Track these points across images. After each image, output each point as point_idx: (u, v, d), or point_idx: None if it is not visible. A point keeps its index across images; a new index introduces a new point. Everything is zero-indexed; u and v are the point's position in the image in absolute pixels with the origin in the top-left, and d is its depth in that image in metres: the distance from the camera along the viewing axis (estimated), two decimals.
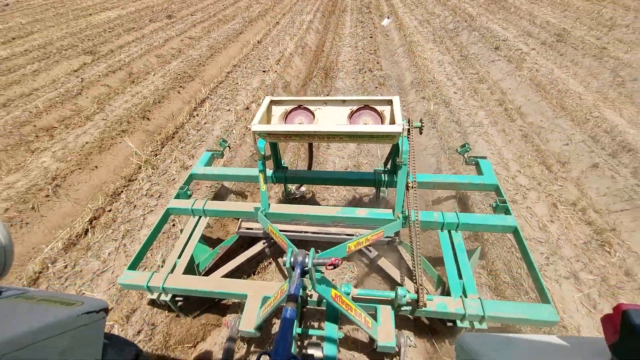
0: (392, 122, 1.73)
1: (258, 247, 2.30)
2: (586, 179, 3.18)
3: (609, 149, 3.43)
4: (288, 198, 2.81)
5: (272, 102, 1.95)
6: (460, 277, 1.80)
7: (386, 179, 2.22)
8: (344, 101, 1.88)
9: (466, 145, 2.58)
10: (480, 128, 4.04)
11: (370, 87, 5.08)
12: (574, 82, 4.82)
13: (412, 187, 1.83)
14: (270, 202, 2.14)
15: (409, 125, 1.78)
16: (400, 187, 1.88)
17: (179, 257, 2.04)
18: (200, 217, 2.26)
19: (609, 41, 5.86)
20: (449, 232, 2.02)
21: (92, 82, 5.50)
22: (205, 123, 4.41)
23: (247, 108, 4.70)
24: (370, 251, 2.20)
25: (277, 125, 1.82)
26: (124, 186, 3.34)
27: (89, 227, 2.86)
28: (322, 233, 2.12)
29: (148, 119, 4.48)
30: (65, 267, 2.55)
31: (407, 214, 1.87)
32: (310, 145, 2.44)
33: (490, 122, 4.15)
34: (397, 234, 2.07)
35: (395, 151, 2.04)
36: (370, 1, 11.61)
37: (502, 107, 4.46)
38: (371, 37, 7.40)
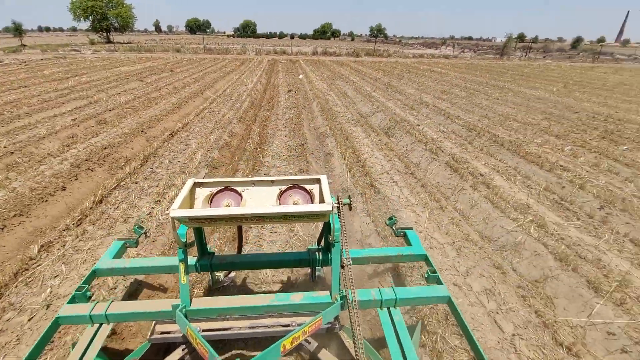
0: (322, 200, 1.71)
1: (177, 355, 1.91)
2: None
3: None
4: (215, 287, 2.55)
5: (196, 185, 1.82)
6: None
7: (320, 258, 2.15)
8: (272, 181, 1.84)
9: (393, 218, 2.61)
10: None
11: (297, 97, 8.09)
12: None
13: (347, 265, 1.76)
14: (194, 294, 1.92)
15: (338, 203, 1.77)
16: (335, 266, 1.81)
17: None
18: (102, 324, 1.85)
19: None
20: (388, 309, 1.93)
21: None
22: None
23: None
24: (309, 343, 2.00)
25: (200, 210, 1.68)
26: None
27: None
28: (254, 327, 1.88)
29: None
30: None
31: (344, 295, 1.78)
32: (240, 228, 2.27)
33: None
34: (336, 318, 1.93)
35: (327, 229, 1.97)
36: (292, 67, 18.08)
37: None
38: (293, 79, 12.75)
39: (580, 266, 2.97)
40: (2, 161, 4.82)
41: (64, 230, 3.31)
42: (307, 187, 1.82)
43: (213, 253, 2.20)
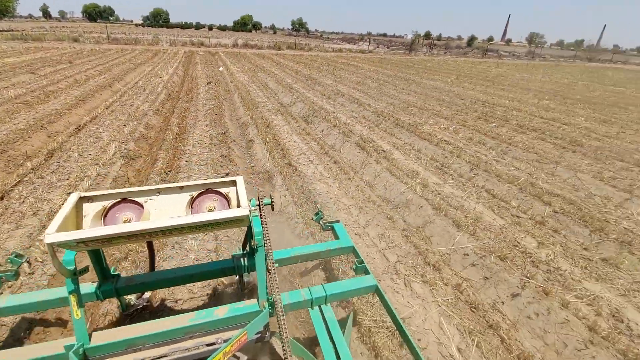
0: (240, 203, 1.57)
1: None
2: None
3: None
4: (126, 313, 2.22)
5: (83, 200, 1.53)
6: (337, 356, 1.70)
7: (246, 264, 2.00)
8: (181, 187, 1.64)
9: (319, 213, 2.61)
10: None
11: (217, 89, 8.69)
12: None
13: (272, 269, 1.68)
14: (97, 326, 1.61)
15: (258, 203, 1.69)
16: (261, 271, 1.70)
17: None
18: None
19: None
20: (320, 307, 1.91)
21: None
22: None
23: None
24: (237, 359, 1.78)
25: (89, 230, 1.36)
26: None
27: None
28: (173, 353, 1.62)
29: None
30: None
31: (272, 301, 1.68)
32: (150, 243, 2.03)
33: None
34: (266, 326, 1.77)
35: (250, 233, 1.80)
36: (212, 59, 17.77)
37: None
38: (213, 71, 12.45)
39: (450, 212, 3.85)
40: None
41: None
42: (223, 190, 1.68)
43: (118, 275, 1.93)
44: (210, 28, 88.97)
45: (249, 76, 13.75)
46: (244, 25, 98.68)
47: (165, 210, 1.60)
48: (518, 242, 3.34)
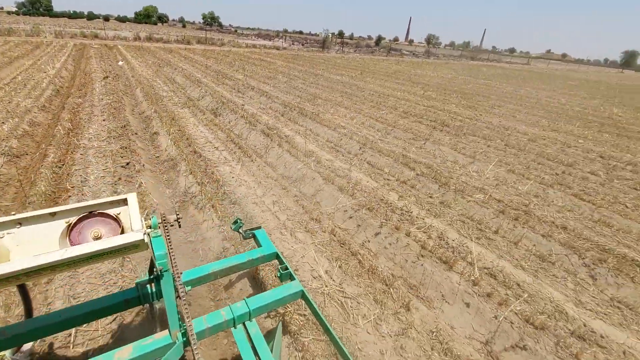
0: (132, 226, 1.40)
1: None
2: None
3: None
4: None
5: None
6: None
7: (155, 290, 1.81)
8: (53, 214, 1.37)
9: (238, 221, 2.49)
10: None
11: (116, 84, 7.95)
12: None
13: (182, 294, 1.53)
14: None
15: (160, 221, 1.51)
16: (169, 299, 1.50)
17: None
18: None
19: None
20: (244, 324, 1.79)
21: None
22: None
23: None
24: None
25: None
26: None
27: None
28: None
29: None
30: None
31: (186, 329, 1.52)
32: (22, 284, 1.69)
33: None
34: (182, 358, 1.63)
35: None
36: (109, 53, 16.50)
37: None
38: (111, 66, 11.53)
39: (336, 180, 4.60)
40: None
41: None
42: (111, 211, 1.45)
43: None
44: (107, 19, 79.12)
45: (153, 70, 13.08)
46: (148, 17, 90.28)
47: (31, 244, 1.30)
48: (384, 197, 4.23)
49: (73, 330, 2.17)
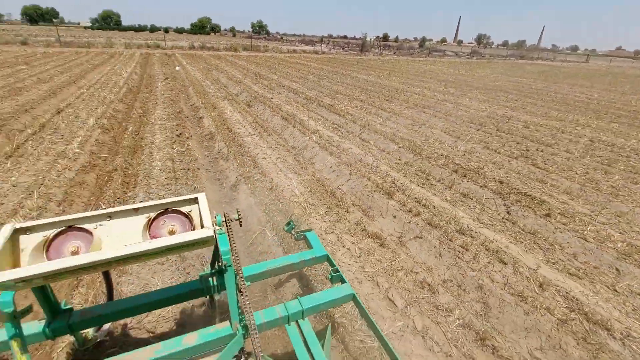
0: (202, 223, 1.54)
1: None
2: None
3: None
4: (84, 348, 2.07)
5: (19, 231, 1.36)
6: None
7: (216, 283, 1.92)
8: (136, 209, 1.54)
9: (291, 223, 2.60)
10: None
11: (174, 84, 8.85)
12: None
13: (243, 289, 1.64)
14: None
15: (224, 220, 1.63)
16: (231, 292, 1.63)
17: None
18: None
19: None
20: (297, 322, 1.87)
21: None
22: None
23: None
24: None
25: (24, 270, 1.18)
26: None
27: None
28: None
29: None
30: None
31: (245, 322, 1.65)
32: (106, 271, 1.95)
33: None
34: (242, 349, 1.75)
35: (217, 251, 1.75)
36: (168, 60, 18.25)
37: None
38: (170, 70, 13.59)
39: (330, 148, 5.96)
40: None
41: None
42: (184, 209, 1.61)
43: (71, 309, 1.78)
44: (167, 31, 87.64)
45: (203, 73, 15.39)
46: (202, 28, 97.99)
47: (118, 236, 1.48)
48: (362, 159, 5.52)
49: (145, 314, 2.43)
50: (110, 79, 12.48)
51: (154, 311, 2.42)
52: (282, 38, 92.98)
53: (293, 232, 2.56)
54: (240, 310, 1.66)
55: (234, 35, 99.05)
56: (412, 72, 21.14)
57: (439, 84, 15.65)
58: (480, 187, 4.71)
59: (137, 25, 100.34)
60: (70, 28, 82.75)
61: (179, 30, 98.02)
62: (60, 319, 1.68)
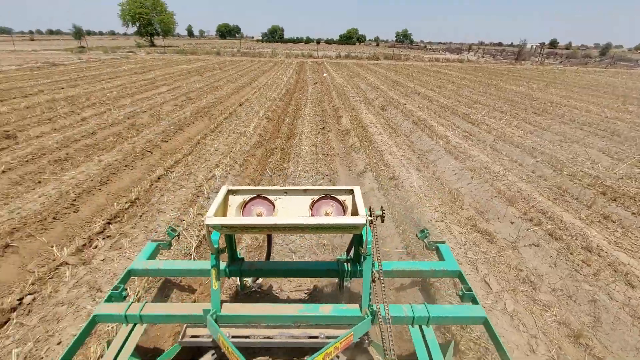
0: (354, 211, 1.73)
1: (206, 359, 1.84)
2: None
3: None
4: (243, 292, 2.56)
5: (230, 192, 1.82)
6: None
7: (349, 269, 2.03)
8: (305, 191, 1.82)
9: (425, 231, 2.61)
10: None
11: (321, 88, 9.83)
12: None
13: (379, 279, 1.70)
14: (223, 299, 1.91)
15: (370, 214, 1.71)
16: (366, 279, 1.74)
17: None
18: (135, 324, 1.86)
19: None
20: (420, 327, 1.90)
21: None
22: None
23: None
24: (338, 357, 1.80)
25: (234, 219, 1.66)
26: None
27: None
28: (282, 337, 1.83)
29: None
30: None
31: (374, 309, 1.71)
32: (270, 235, 2.31)
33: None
34: (366, 333, 1.85)
35: (357, 240, 1.91)
36: (318, 68, 20.96)
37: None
38: (318, 76, 15.37)
39: (455, 153, 6.12)
40: (147, 113, 8.51)
41: (191, 146, 6.88)
42: (340, 197, 1.81)
43: (243, 259, 2.14)
44: (318, 42, 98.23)
45: (345, 80, 17.07)
46: (349, 38, 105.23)
47: (290, 209, 1.80)
48: (488, 167, 5.49)
49: (287, 279, 2.77)
50: (274, 82, 15.35)
51: (292, 279, 2.77)
52: (425, 46, 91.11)
53: (425, 242, 2.56)
54: (370, 298, 1.76)
55: (378, 45, 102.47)
56: (580, 85, 17.87)
57: (614, 100, 12.91)
58: (632, 214, 4.13)
59: (295, 38, 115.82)
60: (247, 41, 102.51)
61: (329, 42, 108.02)
62: (235, 264, 2.05)
